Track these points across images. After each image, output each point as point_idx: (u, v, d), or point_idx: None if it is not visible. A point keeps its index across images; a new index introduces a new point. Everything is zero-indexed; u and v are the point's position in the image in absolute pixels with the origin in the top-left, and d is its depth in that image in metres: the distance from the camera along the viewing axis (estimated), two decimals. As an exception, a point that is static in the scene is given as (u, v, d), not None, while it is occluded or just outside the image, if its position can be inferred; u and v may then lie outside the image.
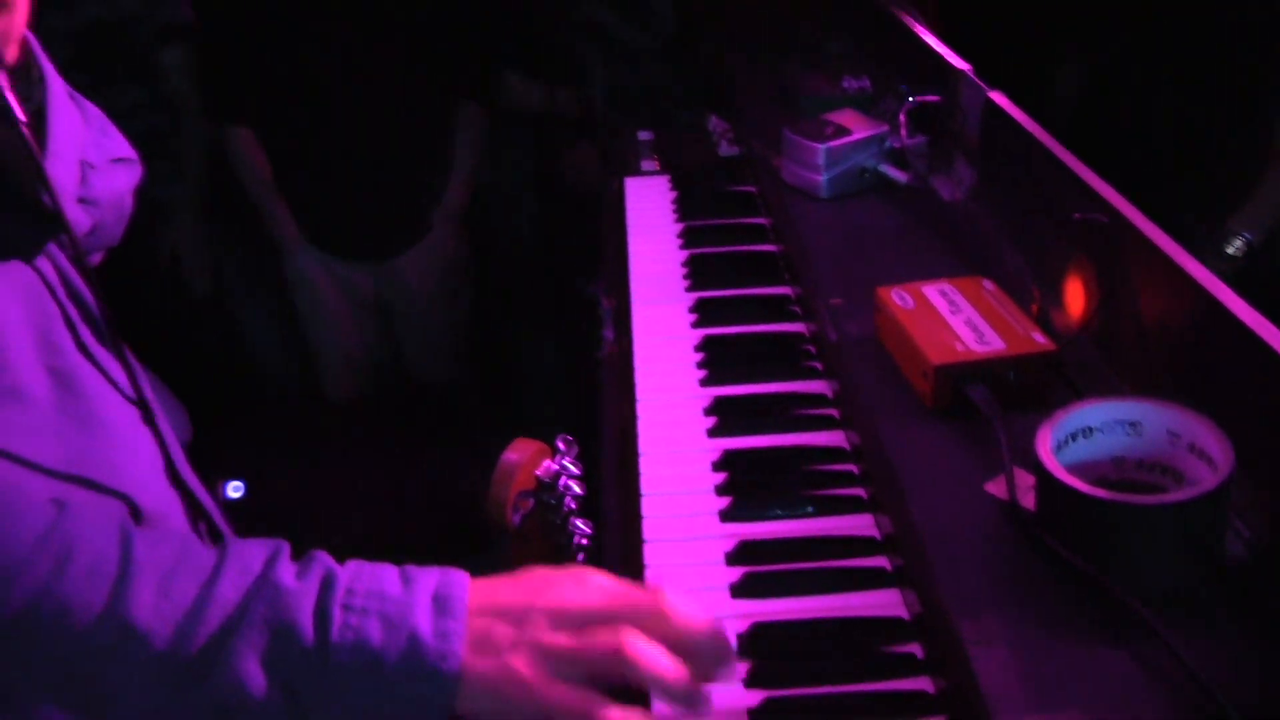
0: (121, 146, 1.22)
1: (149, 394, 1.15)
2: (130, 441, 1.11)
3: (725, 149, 2.29)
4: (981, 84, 1.80)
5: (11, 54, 0.98)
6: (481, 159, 3.13)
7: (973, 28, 2.72)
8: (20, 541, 0.86)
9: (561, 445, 1.38)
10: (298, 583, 0.89)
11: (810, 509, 1.29)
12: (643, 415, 1.49)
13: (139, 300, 2.89)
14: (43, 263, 1.08)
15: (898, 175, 1.81)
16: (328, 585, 0.89)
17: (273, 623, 0.87)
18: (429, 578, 0.92)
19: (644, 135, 2.43)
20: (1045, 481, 1.02)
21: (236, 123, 2.95)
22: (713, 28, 2.86)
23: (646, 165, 2.27)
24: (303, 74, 2.87)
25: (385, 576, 0.91)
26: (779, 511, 1.28)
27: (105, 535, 0.89)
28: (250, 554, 0.91)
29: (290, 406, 3.47)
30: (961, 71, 1.87)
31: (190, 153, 3.09)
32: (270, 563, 0.90)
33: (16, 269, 1.05)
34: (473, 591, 0.91)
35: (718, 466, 1.37)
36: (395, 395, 3.34)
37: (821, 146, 1.77)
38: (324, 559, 0.92)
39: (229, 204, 3.10)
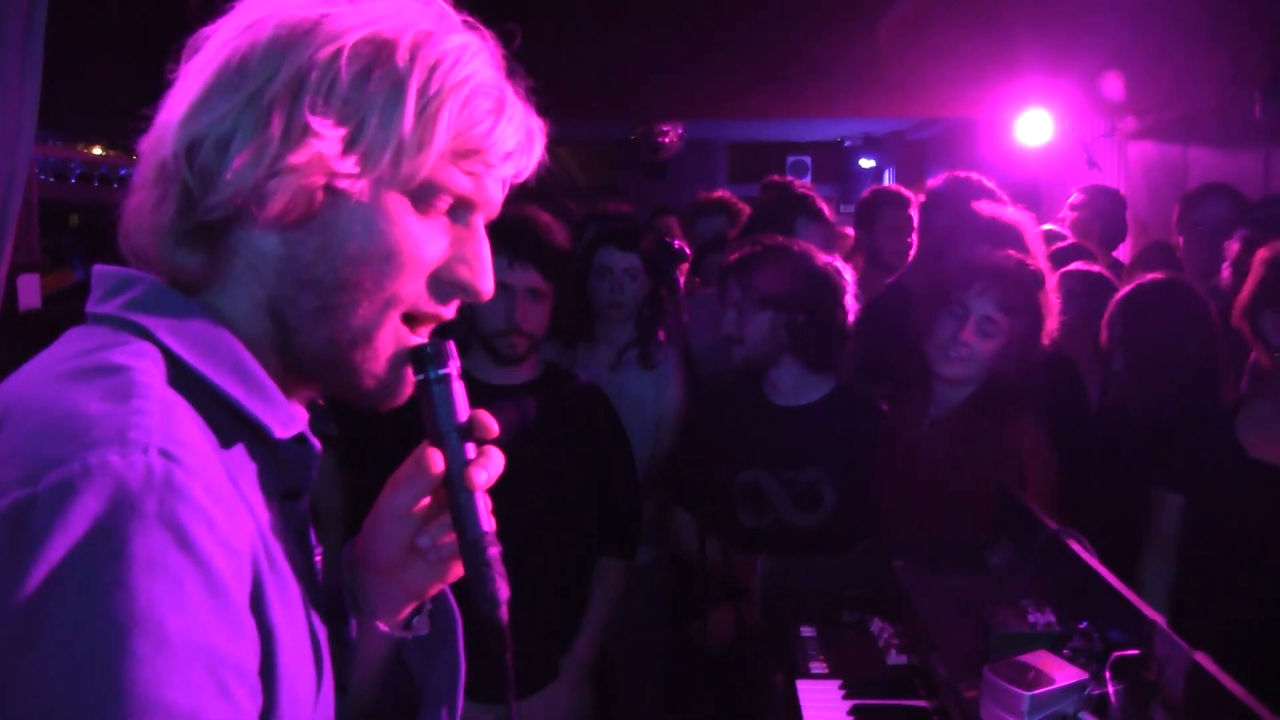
0: None
1: None
2: None
3: (894, 657, 2.29)
4: (1183, 644, 1.79)
5: None
6: (616, 611, 3.14)
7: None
8: None
9: None
10: None
11: None
12: None
13: None
14: None
15: (1098, 727, 1.79)
16: None
17: None
18: None
19: (806, 631, 2.43)
20: None
21: None
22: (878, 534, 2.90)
23: (815, 667, 2.26)
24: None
25: None
26: None
27: None
28: None
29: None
30: (1154, 623, 1.87)
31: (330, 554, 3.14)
32: None
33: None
34: None
35: None
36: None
37: (1027, 694, 1.76)
38: None
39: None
